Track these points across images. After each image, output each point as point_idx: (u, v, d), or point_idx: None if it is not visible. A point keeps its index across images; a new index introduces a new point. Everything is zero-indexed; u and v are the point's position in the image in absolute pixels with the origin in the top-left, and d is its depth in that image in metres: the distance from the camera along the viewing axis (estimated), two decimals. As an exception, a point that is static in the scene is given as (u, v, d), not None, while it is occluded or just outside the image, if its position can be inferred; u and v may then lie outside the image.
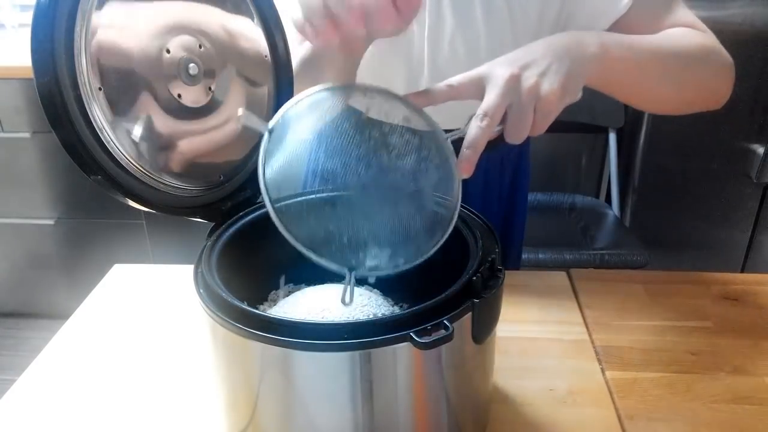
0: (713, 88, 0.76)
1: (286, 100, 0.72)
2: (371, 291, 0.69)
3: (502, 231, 1.03)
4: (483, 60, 0.82)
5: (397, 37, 0.81)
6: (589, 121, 1.79)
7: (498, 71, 0.57)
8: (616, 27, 0.80)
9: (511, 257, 1.07)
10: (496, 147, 0.94)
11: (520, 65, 0.57)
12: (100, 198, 1.96)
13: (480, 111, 0.56)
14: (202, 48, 0.63)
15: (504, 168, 0.99)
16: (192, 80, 0.62)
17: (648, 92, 0.72)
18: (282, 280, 0.72)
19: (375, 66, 0.85)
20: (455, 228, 0.62)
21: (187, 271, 0.60)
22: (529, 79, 0.57)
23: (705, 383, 0.71)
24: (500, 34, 0.82)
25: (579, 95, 0.61)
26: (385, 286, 0.70)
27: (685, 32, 0.76)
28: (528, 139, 0.98)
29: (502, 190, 1.00)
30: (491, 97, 0.56)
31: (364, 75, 0.87)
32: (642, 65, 0.67)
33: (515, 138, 0.58)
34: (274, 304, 0.68)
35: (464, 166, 0.56)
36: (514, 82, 0.56)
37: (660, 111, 0.78)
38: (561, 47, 0.60)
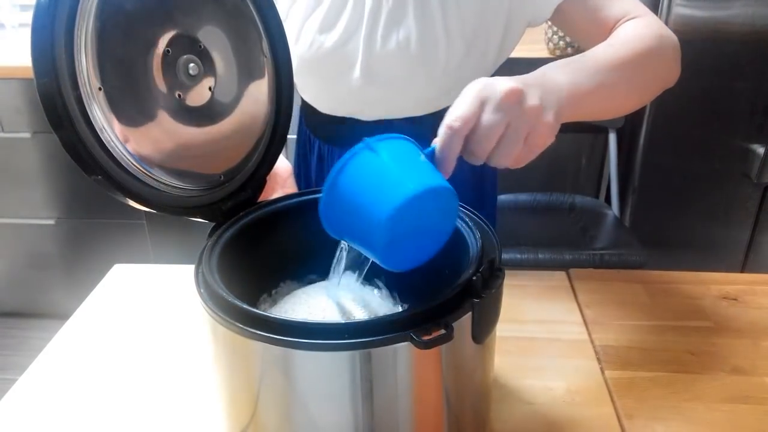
0: (668, 75, 0.78)
1: (287, 99, 0.73)
2: (373, 291, 0.69)
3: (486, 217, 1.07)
4: (414, 56, 0.86)
5: (332, 33, 0.87)
6: (589, 121, 1.79)
7: (498, 84, 0.55)
8: (560, 16, 0.84)
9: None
10: None
11: (522, 83, 0.56)
12: (100, 198, 1.96)
13: (453, 115, 0.55)
14: (202, 48, 0.63)
15: (482, 170, 1.00)
16: (192, 80, 0.63)
17: (617, 107, 0.74)
18: (283, 280, 0.72)
19: (312, 63, 0.90)
20: (455, 228, 0.62)
21: (187, 270, 0.60)
22: (532, 98, 0.56)
23: (704, 383, 0.71)
24: (431, 31, 0.84)
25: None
26: (386, 285, 0.70)
27: (636, 30, 0.76)
28: None
29: (484, 178, 1.03)
30: (465, 107, 0.55)
31: (303, 71, 0.91)
32: (609, 87, 0.68)
33: (501, 161, 0.57)
34: (275, 304, 0.68)
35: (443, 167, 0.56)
36: (516, 97, 0.55)
37: (620, 114, 0.79)
38: (550, 84, 0.60)
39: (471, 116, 0.54)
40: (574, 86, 0.62)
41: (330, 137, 0.99)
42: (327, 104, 0.96)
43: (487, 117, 0.54)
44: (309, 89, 0.97)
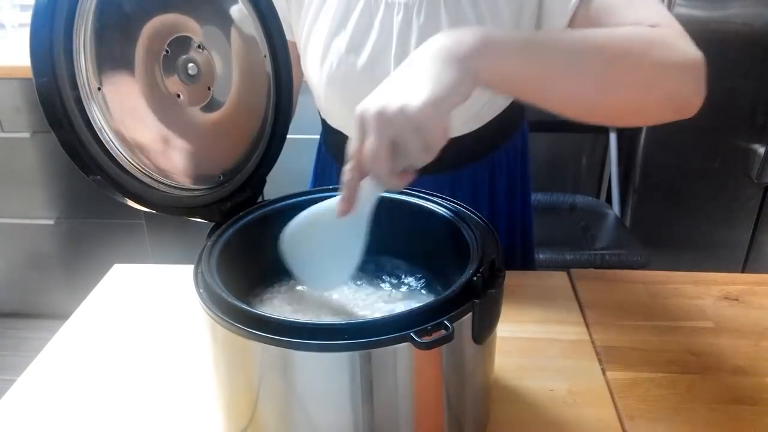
0: (662, 89, 0.64)
1: (286, 99, 0.73)
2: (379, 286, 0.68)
3: (521, 233, 1.03)
4: None
5: (361, 55, 0.83)
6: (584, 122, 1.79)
7: (365, 113, 0.53)
8: (574, 26, 0.77)
9: (529, 258, 1.07)
10: (496, 149, 0.93)
11: (384, 98, 0.53)
12: (100, 198, 1.94)
13: (348, 155, 0.56)
14: (201, 48, 0.63)
15: (512, 172, 0.98)
16: (191, 80, 0.62)
17: (565, 95, 0.62)
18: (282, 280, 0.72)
19: (340, 85, 0.86)
20: (455, 228, 0.62)
21: (187, 271, 0.60)
22: (392, 107, 0.51)
23: (705, 383, 0.70)
24: None
25: (466, 90, 0.54)
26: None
27: (628, 28, 0.67)
28: (525, 137, 0.98)
29: (514, 193, 0.99)
30: (354, 141, 0.54)
31: (330, 95, 0.88)
32: (545, 61, 0.59)
33: (420, 163, 0.53)
34: (275, 299, 0.68)
35: (338, 206, 0.57)
36: (381, 120, 0.51)
37: (597, 118, 0.67)
38: (432, 53, 0.55)
39: (356, 149, 0.54)
40: (484, 41, 0.55)
41: None
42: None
43: (368, 147, 0.52)
44: (336, 113, 0.92)
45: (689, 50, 0.65)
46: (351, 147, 0.55)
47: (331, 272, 0.64)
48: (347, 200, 0.57)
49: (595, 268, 1.55)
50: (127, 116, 0.58)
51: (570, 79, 0.60)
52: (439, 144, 0.52)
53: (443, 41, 0.55)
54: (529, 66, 0.58)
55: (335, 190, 0.70)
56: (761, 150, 1.76)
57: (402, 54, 0.82)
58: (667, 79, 0.63)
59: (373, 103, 0.52)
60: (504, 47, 0.57)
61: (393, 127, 0.51)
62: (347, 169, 0.56)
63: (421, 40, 0.81)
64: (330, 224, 0.59)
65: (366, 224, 0.60)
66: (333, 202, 0.59)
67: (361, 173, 0.56)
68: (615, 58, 0.61)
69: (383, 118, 0.51)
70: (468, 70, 0.54)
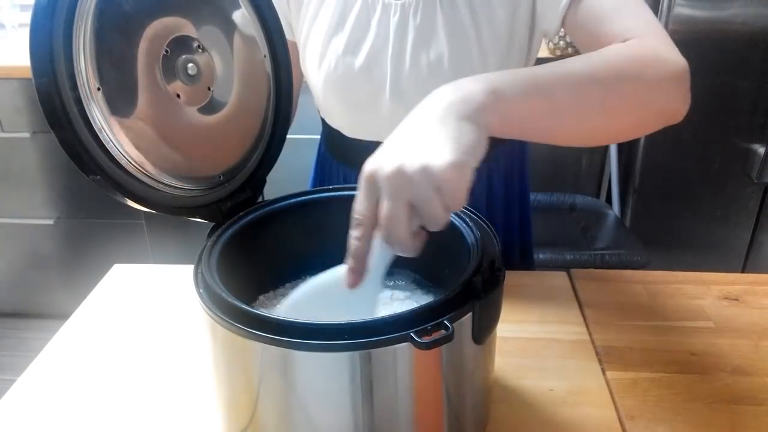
0: (657, 105, 0.65)
1: (286, 99, 0.73)
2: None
3: (519, 232, 1.03)
4: (446, 76, 0.79)
5: (358, 55, 0.83)
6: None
7: (377, 173, 0.49)
8: (567, 30, 0.79)
9: (528, 257, 1.07)
10: (494, 153, 0.94)
11: (399, 156, 0.49)
12: (100, 198, 1.96)
13: (353, 218, 0.51)
14: (201, 48, 0.63)
15: (510, 171, 0.98)
16: (191, 80, 0.62)
17: (571, 129, 0.62)
18: (282, 280, 0.72)
19: (338, 86, 0.86)
20: (455, 227, 0.62)
21: (187, 271, 0.60)
22: (412, 166, 0.47)
23: (705, 383, 0.70)
24: (465, 48, 0.81)
25: (484, 149, 0.52)
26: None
27: (614, 48, 0.67)
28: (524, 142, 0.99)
29: (511, 193, 0.99)
30: (361, 202, 0.50)
31: (328, 95, 0.88)
32: (552, 101, 0.58)
33: (437, 226, 0.50)
34: (275, 299, 0.68)
35: (347, 278, 0.53)
36: (399, 180, 0.48)
37: (598, 142, 0.69)
38: (443, 109, 0.51)
39: (369, 213, 0.50)
40: (493, 95, 0.53)
41: (355, 163, 0.94)
42: (354, 129, 0.92)
43: (385, 209, 0.49)
44: (335, 113, 0.93)
45: (676, 60, 0.66)
46: (357, 210, 0.50)
47: None
48: (358, 271, 0.52)
49: (595, 268, 1.56)
50: (127, 116, 0.58)
51: (575, 113, 0.60)
52: (459, 206, 0.49)
53: (451, 96, 0.52)
54: (537, 109, 0.57)
55: (335, 189, 0.71)
56: (761, 150, 1.76)
57: (398, 55, 0.83)
58: (661, 94, 0.65)
59: (384, 162, 0.49)
60: (512, 95, 0.55)
61: (413, 188, 0.47)
62: (355, 236, 0.51)
63: (417, 40, 0.82)
64: (336, 297, 0.54)
65: (380, 289, 0.55)
66: (337, 274, 0.54)
67: (369, 239, 0.51)
68: (613, 85, 0.61)
69: (402, 179, 0.47)
70: (484, 126, 0.52)
